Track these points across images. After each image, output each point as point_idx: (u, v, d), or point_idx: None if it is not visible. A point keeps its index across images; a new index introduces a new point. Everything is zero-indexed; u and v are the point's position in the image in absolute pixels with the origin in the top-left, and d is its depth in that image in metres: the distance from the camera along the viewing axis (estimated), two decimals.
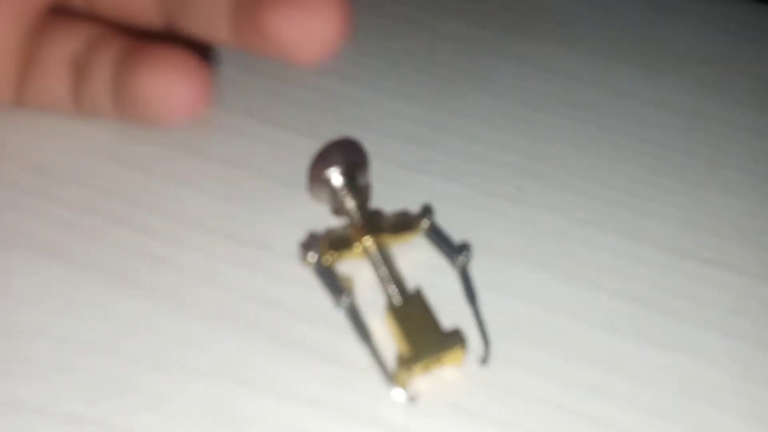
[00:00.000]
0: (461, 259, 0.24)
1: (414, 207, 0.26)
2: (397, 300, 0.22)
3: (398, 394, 0.21)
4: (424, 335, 0.21)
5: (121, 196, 0.24)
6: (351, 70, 0.31)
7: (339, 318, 0.22)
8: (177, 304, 0.22)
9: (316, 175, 0.25)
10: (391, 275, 0.23)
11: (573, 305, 0.24)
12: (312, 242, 0.23)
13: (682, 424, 0.22)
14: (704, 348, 0.24)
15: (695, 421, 0.22)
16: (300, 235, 0.24)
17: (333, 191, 0.24)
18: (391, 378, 0.21)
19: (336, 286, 0.22)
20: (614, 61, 0.35)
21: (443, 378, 0.22)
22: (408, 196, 0.26)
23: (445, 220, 0.25)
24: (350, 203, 0.24)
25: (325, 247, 0.23)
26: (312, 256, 0.23)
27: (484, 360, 0.22)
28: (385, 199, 0.26)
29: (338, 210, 0.25)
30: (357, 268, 0.24)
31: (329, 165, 0.25)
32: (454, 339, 0.21)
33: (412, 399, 0.21)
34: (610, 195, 0.29)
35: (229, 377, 0.21)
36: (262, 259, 0.24)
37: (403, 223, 0.24)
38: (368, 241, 0.23)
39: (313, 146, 0.25)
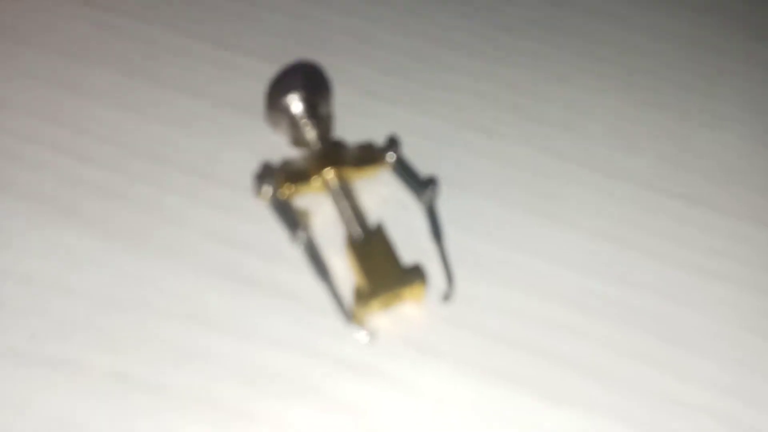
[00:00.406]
0: (427, 194, 0.22)
1: (381, 139, 0.24)
2: (357, 235, 0.21)
3: (357, 331, 0.20)
4: (382, 271, 0.20)
5: (68, 125, 0.23)
6: None
7: (296, 254, 0.21)
8: (127, 239, 0.21)
9: (274, 102, 0.23)
10: (352, 209, 0.22)
11: (546, 244, 0.23)
12: (267, 174, 0.22)
13: (658, 368, 0.21)
14: (685, 291, 0.23)
15: (672, 365, 0.21)
16: (255, 166, 0.23)
17: (292, 119, 0.23)
18: (350, 315, 0.20)
19: (292, 220, 0.21)
20: None
21: (404, 315, 0.21)
22: (375, 127, 0.25)
23: (414, 153, 0.24)
24: (310, 133, 0.23)
25: (281, 179, 0.22)
26: (267, 190, 0.21)
27: (447, 297, 0.21)
28: (351, 129, 0.25)
29: (297, 140, 0.23)
30: (316, 201, 0.22)
31: (288, 91, 0.23)
32: (414, 275, 0.20)
33: (370, 336, 0.20)
34: (593, 129, 0.27)
35: (182, 314, 0.20)
36: (216, 192, 0.22)
37: (368, 156, 0.23)
38: (329, 173, 0.22)
39: (274, 71, 0.24)
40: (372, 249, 0.21)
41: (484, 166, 0.25)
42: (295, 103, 0.23)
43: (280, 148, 0.23)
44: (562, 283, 0.22)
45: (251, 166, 0.23)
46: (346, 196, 0.22)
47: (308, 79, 0.23)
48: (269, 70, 0.24)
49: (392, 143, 0.23)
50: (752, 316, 0.23)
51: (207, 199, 0.22)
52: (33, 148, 0.22)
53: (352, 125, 0.25)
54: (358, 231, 0.21)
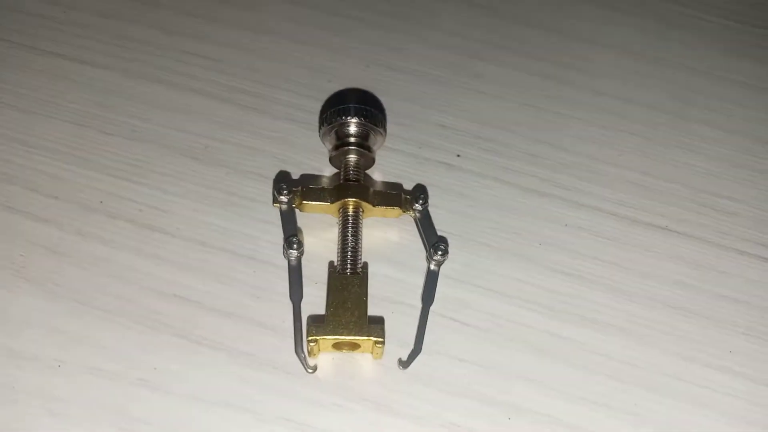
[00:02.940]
0: (438, 257, 0.22)
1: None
2: (343, 269, 0.21)
3: (304, 360, 0.20)
4: (345, 314, 0.20)
5: (22, 182, 0.23)
6: None
7: (251, 309, 0.21)
8: (74, 300, 0.21)
9: (334, 117, 0.23)
10: (353, 244, 0.22)
11: (509, 284, 0.22)
12: (287, 183, 0.22)
13: (618, 411, 0.20)
14: (645, 327, 0.22)
15: (631, 408, 0.20)
16: (207, 218, 0.23)
17: (341, 140, 0.23)
18: (302, 345, 0.20)
19: (293, 235, 0.22)
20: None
21: (358, 366, 0.20)
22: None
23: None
24: (351, 158, 0.23)
25: (299, 192, 0.22)
26: (284, 200, 0.22)
27: (405, 365, 0.20)
28: None
29: (335, 160, 0.23)
30: (321, 221, 0.23)
31: (350, 112, 0.23)
32: (372, 331, 0.20)
33: (311, 369, 0.20)
34: (558, 157, 0.26)
35: (131, 377, 0.20)
36: (167, 247, 0.22)
37: (393, 199, 0.23)
38: (350, 203, 0.22)
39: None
40: (348, 289, 0.21)
41: (448, 202, 0.24)
42: (353, 126, 0.23)
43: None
44: (523, 327, 0.22)
45: (203, 218, 0.23)
46: (354, 231, 0.22)
47: (371, 107, 0.24)
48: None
49: (422, 193, 0.23)
50: (721, 352, 0.22)
51: (156, 254, 0.22)
52: None
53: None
54: (345, 266, 0.21)
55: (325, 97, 0.26)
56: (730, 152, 0.27)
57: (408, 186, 0.24)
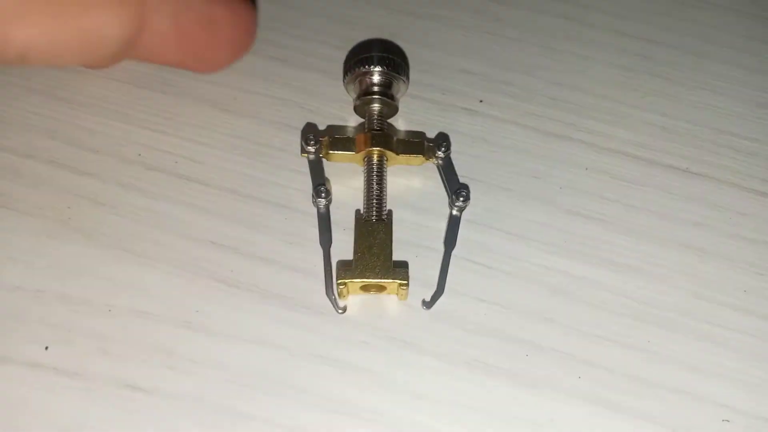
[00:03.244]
0: (459, 203, 0.23)
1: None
2: (368, 216, 0.22)
3: (334, 302, 0.21)
4: (371, 258, 0.21)
5: (64, 137, 0.24)
6: None
7: (284, 255, 0.22)
8: (120, 248, 0.22)
9: (354, 66, 0.24)
10: (377, 193, 0.23)
11: (528, 229, 0.23)
12: (314, 134, 0.23)
13: (638, 350, 0.21)
14: (661, 267, 0.23)
15: (652, 348, 0.21)
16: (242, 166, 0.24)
17: (365, 89, 0.24)
18: (333, 287, 0.21)
19: (321, 182, 0.23)
20: None
21: (386, 309, 0.22)
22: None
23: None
24: (375, 107, 0.24)
25: (326, 141, 0.23)
26: (311, 150, 0.23)
27: (428, 306, 0.22)
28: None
29: (360, 109, 0.24)
30: (348, 169, 0.24)
31: (372, 61, 0.24)
32: (397, 274, 0.21)
33: (341, 310, 0.21)
34: (580, 100, 0.26)
35: (175, 319, 0.21)
36: (202, 196, 0.23)
37: (416, 147, 0.24)
38: (374, 152, 0.23)
39: None
40: (374, 235, 0.22)
41: (470, 147, 0.25)
42: (376, 75, 0.24)
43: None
44: (542, 269, 0.22)
45: (234, 167, 0.24)
46: (378, 179, 0.23)
47: (393, 56, 0.24)
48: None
49: (444, 141, 0.24)
50: (736, 291, 0.22)
51: (195, 205, 0.23)
52: (31, 163, 0.24)
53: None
54: (371, 213, 0.22)
55: (348, 46, 0.27)
56: (754, 92, 0.27)
57: (431, 133, 0.25)
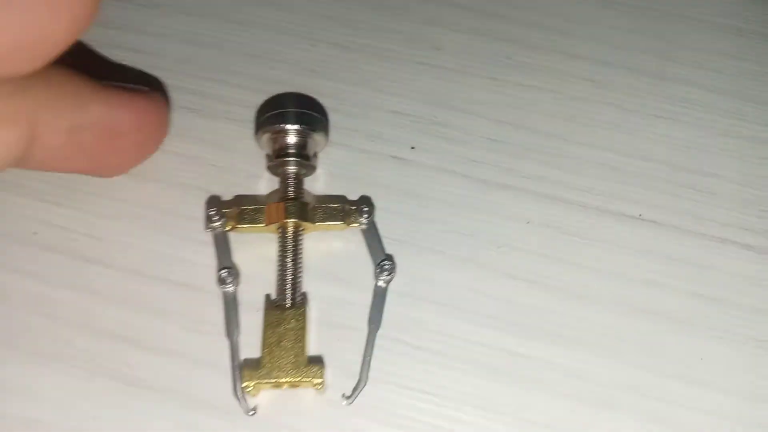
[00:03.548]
0: (384, 277, 0.20)
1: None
2: (281, 301, 0.20)
3: (242, 402, 0.19)
4: (281, 354, 0.19)
5: None
6: None
7: (189, 345, 0.20)
8: (10, 346, 0.20)
9: (270, 124, 0.21)
10: (292, 273, 0.20)
11: (462, 299, 0.21)
12: (219, 207, 0.21)
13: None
14: (610, 338, 0.20)
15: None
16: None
17: (278, 149, 0.21)
18: (240, 386, 0.19)
19: (226, 267, 0.20)
20: None
21: (301, 403, 0.20)
22: None
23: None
24: (291, 169, 0.21)
25: (233, 214, 0.21)
26: (217, 225, 0.21)
27: (349, 400, 0.20)
28: None
29: (274, 170, 0.22)
30: (257, 239, 0.21)
31: (286, 120, 0.21)
32: (311, 372, 0.19)
33: (250, 411, 0.19)
34: (523, 140, 0.23)
35: (71, 428, 0.19)
36: (102, 279, 0.21)
37: (334, 213, 0.21)
38: (289, 224, 0.21)
39: None
40: (285, 324, 0.20)
41: (399, 202, 0.22)
42: (290, 136, 0.21)
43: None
44: (477, 346, 0.20)
45: (138, 241, 0.21)
46: (293, 256, 0.20)
47: (309, 114, 0.22)
48: None
49: (367, 206, 0.21)
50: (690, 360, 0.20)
51: (91, 287, 0.21)
52: None
53: None
54: (283, 297, 0.20)
55: (268, 88, 0.24)
56: (715, 117, 0.24)
57: (356, 189, 0.22)
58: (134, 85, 0.21)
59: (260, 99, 0.24)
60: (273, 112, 0.21)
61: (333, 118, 0.23)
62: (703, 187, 0.23)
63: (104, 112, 0.19)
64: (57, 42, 0.17)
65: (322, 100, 0.24)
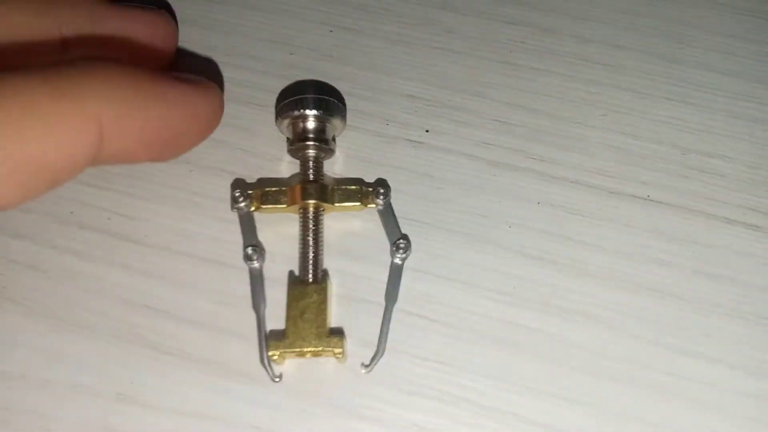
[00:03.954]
0: (399, 255, 0.22)
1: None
2: (303, 277, 0.21)
3: (269, 371, 0.20)
4: (304, 325, 0.20)
5: None
6: None
7: (219, 317, 0.21)
8: (54, 317, 0.21)
9: (289, 110, 0.22)
10: (313, 251, 0.21)
11: (474, 275, 0.22)
12: (244, 188, 0.22)
13: (587, 407, 0.20)
14: (617, 313, 0.21)
15: (598, 401, 0.20)
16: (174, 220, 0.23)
17: (298, 134, 0.22)
18: (267, 354, 0.21)
19: (251, 245, 0.22)
20: None
21: (324, 373, 0.21)
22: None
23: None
24: (311, 152, 0.22)
25: (257, 195, 0.22)
26: (242, 206, 0.22)
27: (368, 368, 0.21)
28: None
29: (295, 154, 0.23)
30: (283, 220, 0.23)
31: (306, 105, 0.22)
32: (332, 342, 0.20)
33: (276, 378, 0.21)
34: (534, 123, 0.24)
35: (110, 392, 0.21)
36: (136, 255, 0.22)
37: (354, 194, 0.22)
38: (309, 204, 0.22)
39: None
40: (307, 298, 0.21)
41: (414, 184, 0.23)
42: (309, 121, 0.22)
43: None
44: (490, 320, 0.21)
45: (168, 222, 0.23)
46: (314, 235, 0.22)
47: (328, 96, 0.23)
48: None
49: (382, 188, 0.22)
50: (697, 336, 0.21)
51: (125, 263, 0.22)
52: None
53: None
54: (305, 274, 0.21)
55: (288, 73, 0.25)
56: (726, 99, 0.24)
57: (373, 172, 0.23)
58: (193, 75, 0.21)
59: (281, 84, 0.25)
60: (293, 99, 0.22)
61: (350, 102, 0.24)
62: (712, 168, 0.23)
63: (165, 114, 0.20)
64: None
65: (339, 85, 0.25)
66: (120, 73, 0.18)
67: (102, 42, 0.21)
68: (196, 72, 0.22)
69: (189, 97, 0.20)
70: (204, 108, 0.21)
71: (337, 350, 0.20)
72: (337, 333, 0.21)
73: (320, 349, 0.20)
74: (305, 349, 0.20)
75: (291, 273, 0.22)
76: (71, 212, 0.23)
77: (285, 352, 0.20)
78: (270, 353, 0.20)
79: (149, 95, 0.19)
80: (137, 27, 0.22)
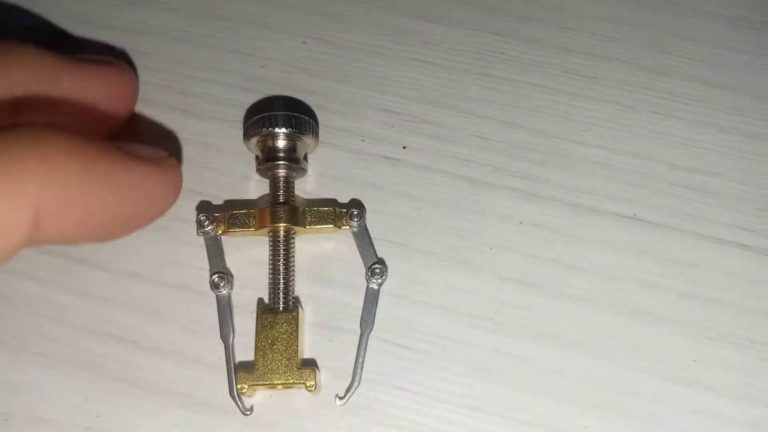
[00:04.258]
0: (375, 280, 0.21)
1: None
2: (273, 305, 0.20)
3: (239, 404, 0.20)
4: (275, 356, 0.19)
5: None
6: None
7: (187, 346, 0.21)
8: (16, 347, 0.21)
9: (258, 127, 0.21)
10: (283, 277, 0.20)
11: (453, 300, 0.21)
12: (209, 212, 0.21)
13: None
14: (602, 338, 0.20)
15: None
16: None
17: (268, 153, 0.21)
18: (235, 388, 0.20)
19: (218, 272, 0.21)
20: None
21: (295, 403, 0.20)
22: None
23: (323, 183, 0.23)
24: (281, 172, 0.21)
25: (224, 218, 0.21)
26: (208, 230, 0.21)
27: (342, 400, 0.20)
28: None
29: (264, 173, 0.22)
30: (249, 243, 0.22)
31: (278, 122, 0.21)
32: (304, 375, 0.19)
33: (247, 411, 0.20)
34: (514, 138, 0.23)
35: (76, 426, 0.20)
36: (101, 283, 0.21)
37: (325, 216, 0.21)
38: (280, 228, 0.21)
39: None
40: (277, 328, 0.20)
41: (390, 205, 0.22)
42: (279, 140, 0.21)
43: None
44: (469, 346, 0.20)
45: (134, 244, 0.21)
46: (284, 260, 0.21)
47: (298, 117, 0.22)
48: None
49: (357, 209, 0.21)
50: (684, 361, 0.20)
51: (90, 291, 0.21)
52: None
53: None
54: (275, 302, 0.20)
55: (258, 87, 0.24)
56: (714, 113, 0.23)
57: (347, 192, 0.22)
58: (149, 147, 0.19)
59: (250, 98, 0.24)
60: (261, 116, 0.21)
61: (323, 117, 0.23)
62: (700, 185, 0.22)
63: (113, 199, 0.18)
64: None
65: (313, 99, 0.24)
66: (66, 149, 0.16)
67: (56, 104, 0.19)
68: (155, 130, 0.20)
69: (143, 180, 0.18)
70: (159, 191, 0.19)
71: (309, 383, 0.19)
72: (310, 364, 0.20)
73: (291, 381, 0.19)
74: (276, 382, 0.19)
75: (260, 301, 0.21)
76: None
77: (254, 385, 0.19)
78: (239, 386, 0.19)
79: (97, 178, 0.17)
80: (94, 86, 0.20)
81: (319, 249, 0.22)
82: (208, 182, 0.23)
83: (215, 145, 0.23)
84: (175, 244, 0.22)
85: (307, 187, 0.22)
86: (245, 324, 0.21)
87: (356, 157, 0.23)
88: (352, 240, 0.22)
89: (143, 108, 0.23)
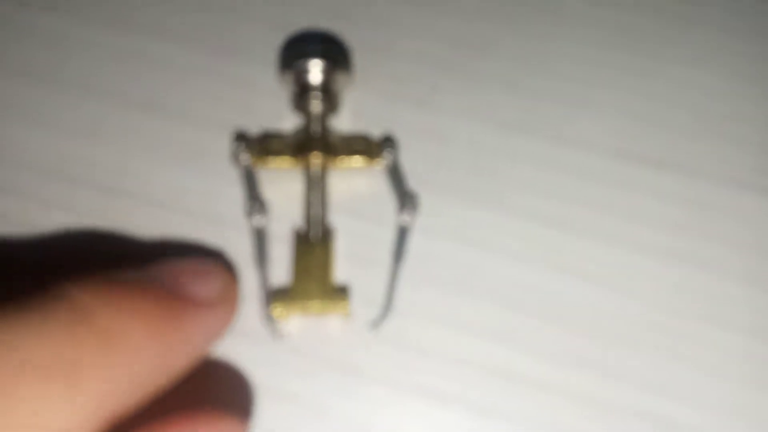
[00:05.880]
0: (406, 215, 0.21)
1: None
2: (308, 233, 0.20)
3: (272, 328, 0.20)
4: (309, 283, 0.20)
5: None
6: None
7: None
8: None
9: (290, 62, 0.22)
10: (319, 206, 0.21)
11: (482, 237, 0.21)
12: (245, 141, 0.21)
13: (592, 369, 0.20)
14: (627, 277, 0.21)
15: (606, 366, 0.20)
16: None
17: (303, 86, 0.22)
18: (270, 311, 0.20)
19: (256, 197, 0.21)
20: None
21: (327, 330, 0.20)
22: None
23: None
24: (316, 107, 0.22)
25: (259, 148, 0.21)
26: (244, 158, 0.21)
27: (374, 327, 0.20)
28: None
29: (299, 107, 0.22)
30: (285, 176, 0.22)
31: (311, 55, 0.21)
32: (337, 297, 0.19)
33: (280, 336, 0.20)
34: (545, 86, 0.23)
35: None
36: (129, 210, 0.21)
37: (360, 150, 0.21)
38: (316, 159, 0.21)
39: None
40: (313, 253, 0.20)
41: (419, 143, 0.22)
42: (314, 72, 0.21)
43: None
44: (498, 280, 0.21)
45: (166, 177, 0.22)
46: (320, 188, 0.21)
47: (334, 48, 0.22)
48: None
49: (389, 143, 0.22)
50: (711, 302, 0.20)
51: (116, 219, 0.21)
52: None
53: None
54: (312, 229, 0.20)
55: (287, 28, 0.24)
56: (747, 65, 0.24)
57: (379, 129, 0.23)
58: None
59: (279, 37, 0.24)
60: (297, 49, 0.21)
61: (356, 61, 0.23)
62: (725, 132, 0.23)
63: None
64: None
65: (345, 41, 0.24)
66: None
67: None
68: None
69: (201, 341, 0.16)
70: (220, 332, 0.17)
71: (342, 308, 0.19)
72: (343, 291, 0.20)
73: (325, 306, 0.19)
74: (309, 306, 0.19)
75: (295, 230, 0.21)
76: (60, 170, 0.22)
77: (289, 307, 0.19)
78: (273, 309, 0.19)
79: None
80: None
81: (351, 185, 0.22)
82: (243, 121, 0.23)
83: (247, 82, 0.23)
84: (206, 176, 0.22)
85: (340, 126, 0.23)
86: (278, 254, 0.21)
87: (386, 98, 0.23)
88: (383, 179, 0.22)
89: (176, 49, 0.24)
